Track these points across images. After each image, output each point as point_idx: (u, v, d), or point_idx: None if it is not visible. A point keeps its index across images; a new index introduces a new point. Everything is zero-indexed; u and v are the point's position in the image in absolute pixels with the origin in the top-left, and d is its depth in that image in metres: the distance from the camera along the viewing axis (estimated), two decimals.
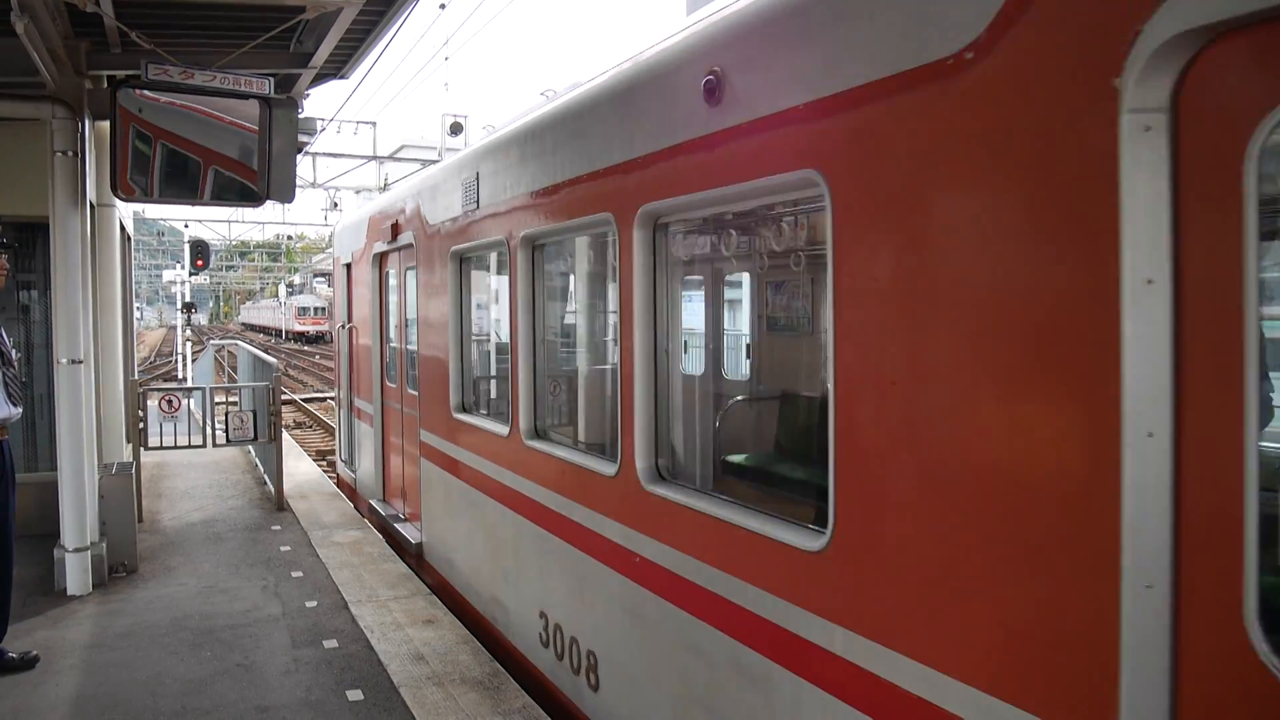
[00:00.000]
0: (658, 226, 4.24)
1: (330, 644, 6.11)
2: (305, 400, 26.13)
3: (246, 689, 5.42)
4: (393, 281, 9.43)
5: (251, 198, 7.08)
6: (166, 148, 6.74)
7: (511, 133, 5.89)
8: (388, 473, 9.73)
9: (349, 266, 11.12)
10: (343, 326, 11.51)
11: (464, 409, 7.01)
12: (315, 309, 72.54)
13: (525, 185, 5.51)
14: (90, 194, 7.43)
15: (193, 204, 7.55)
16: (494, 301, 7.41)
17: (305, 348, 63.10)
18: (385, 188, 35.10)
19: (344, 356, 11.59)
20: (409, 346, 8.84)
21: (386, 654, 5.91)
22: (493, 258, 6.98)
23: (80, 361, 6.96)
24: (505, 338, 6.40)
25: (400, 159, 33.94)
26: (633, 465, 4.31)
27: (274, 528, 9.31)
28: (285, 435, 14.66)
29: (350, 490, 11.35)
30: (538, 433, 5.67)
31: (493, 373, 7.39)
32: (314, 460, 14.61)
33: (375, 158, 31.12)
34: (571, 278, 6.59)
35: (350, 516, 9.86)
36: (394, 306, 9.41)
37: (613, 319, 5.52)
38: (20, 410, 5.73)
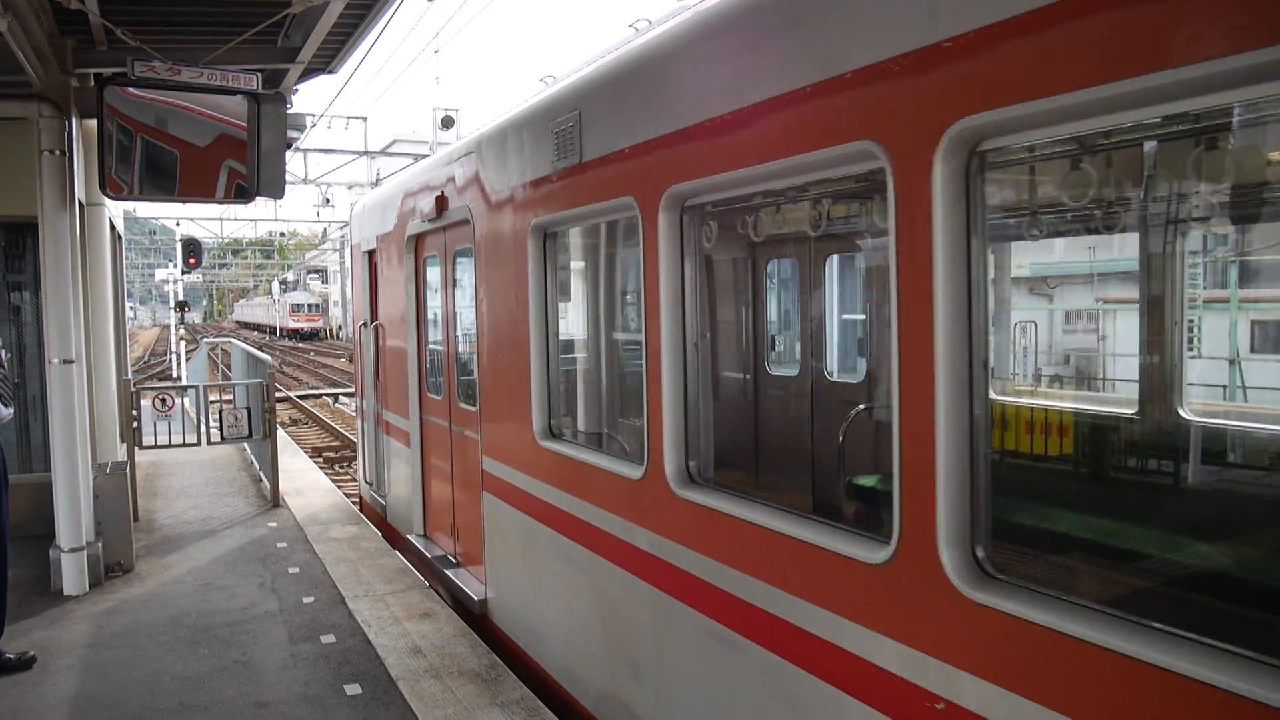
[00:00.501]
0: (974, 157, 2.57)
1: (328, 639, 6.12)
2: (300, 397, 26.11)
3: (244, 685, 5.43)
4: (435, 269, 7.65)
5: (241, 194, 7.05)
6: (155, 145, 6.71)
7: (644, 50, 4.27)
8: (429, 503, 8.02)
9: (371, 254, 9.41)
10: (364, 325, 9.67)
11: (552, 435, 5.36)
12: (309, 306, 72.51)
13: (675, 119, 3.85)
14: (79, 193, 7.41)
15: (182, 201, 7.49)
16: (606, 289, 5.90)
17: (300, 345, 63.05)
18: (377, 182, 35.05)
19: (368, 361, 9.65)
20: (461, 350, 7.17)
21: (384, 648, 5.93)
22: (602, 230, 5.52)
23: (72, 361, 6.95)
24: (631, 341, 5.08)
25: (392, 154, 33.87)
26: (928, 548, 2.64)
27: (270, 524, 9.32)
28: (280, 432, 14.65)
29: (377, 517, 9.62)
30: (694, 478, 3.97)
31: (605, 389, 5.79)
32: (310, 456, 14.62)
33: (367, 153, 31.05)
34: (751, 255, 5.04)
35: (346, 512, 9.86)
36: (438, 301, 7.61)
37: (832, 313, 4.72)
38: (11, 411, 5.72)
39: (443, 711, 5.00)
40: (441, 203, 6.86)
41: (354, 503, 10.63)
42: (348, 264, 79.91)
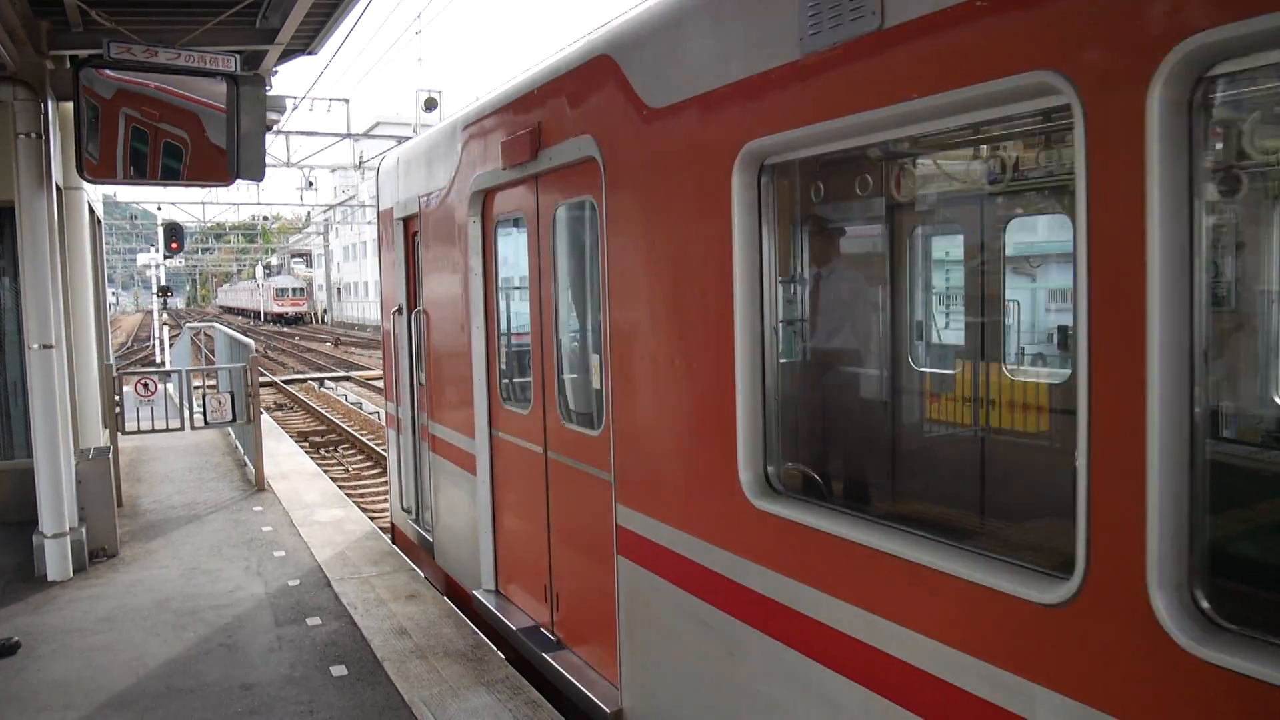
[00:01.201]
0: None
1: (313, 621, 6.15)
2: (285, 382, 26.02)
3: (230, 668, 5.46)
4: (518, 235, 5.73)
5: (221, 177, 7.01)
6: (133, 128, 6.66)
7: None
8: (505, 550, 6.08)
9: (409, 221, 7.44)
10: (398, 312, 7.70)
11: (774, 490, 3.42)
12: (294, 290, 72.19)
13: None
14: (56, 177, 7.34)
15: (161, 185, 7.40)
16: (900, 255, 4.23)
17: (285, 329, 62.78)
18: (360, 166, 34.83)
19: (403, 358, 7.64)
20: (568, 348, 5.35)
21: (370, 629, 5.96)
22: (878, 155, 3.84)
23: (51, 347, 6.91)
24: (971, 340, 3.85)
25: (375, 135, 33.69)
26: None
27: (255, 508, 9.32)
28: (265, 416, 14.61)
29: (418, 553, 7.67)
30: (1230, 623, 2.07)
31: (903, 424, 4.23)
32: (295, 441, 14.60)
33: (349, 135, 30.79)
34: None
35: (332, 495, 9.87)
36: (525, 278, 5.60)
37: None
38: None
39: (428, 691, 5.05)
40: (539, 139, 4.90)
41: (384, 530, 8.81)
42: (331, 245, 78.73)
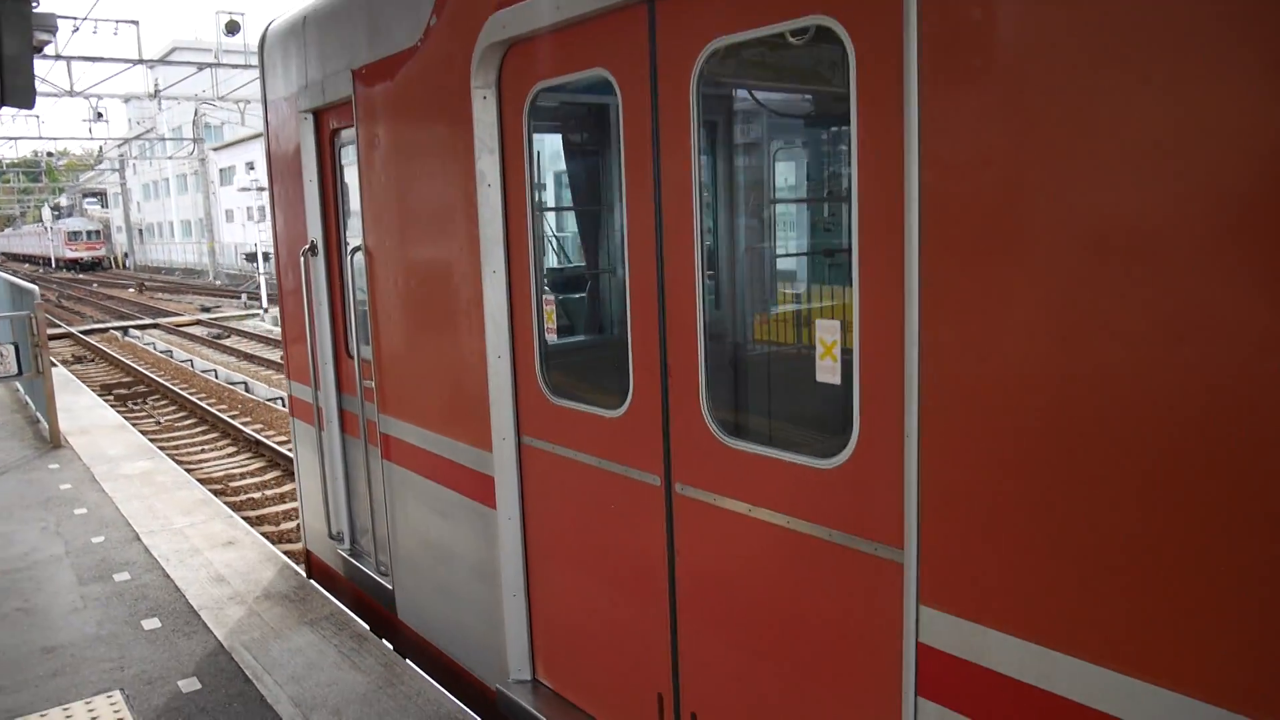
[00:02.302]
0: None
1: (122, 577, 5.85)
2: (84, 332, 24.06)
3: (28, 632, 5.13)
4: (594, 116, 4.21)
5: None
6: None
7: None
8: (549, 622, 4.03)
9: (326, 113, 5.15)
10: (311, 252, 5.35)
11: None
12: (88, 233, 66.29)
13: None
14: None
15: None
16: None
17: (80, 276, 57.76)
18: (156, 95, 32.04)
19: (322, 319, 5.43)
20: (733, 307, 3.79)
21: (184, 580, 5.74)
22: None
23: None
24: None
25: (172, 62, 31.02)
26: None
27: (51, 466, 8.67)
28: (62, 370, 13.52)
29: (351, 592, 5.54)
30: None
31: None
32: (99, 394, 13.58)
33: (143, 61, 28.23)
34: None
35: (139, 447, 9.29)
36: (631, 187, 3.18)
37: None
38: None
39: (249, 635, 4.94)
40: None
41: (292, 559, 6.46)
42: (129, 182, 72.75)
